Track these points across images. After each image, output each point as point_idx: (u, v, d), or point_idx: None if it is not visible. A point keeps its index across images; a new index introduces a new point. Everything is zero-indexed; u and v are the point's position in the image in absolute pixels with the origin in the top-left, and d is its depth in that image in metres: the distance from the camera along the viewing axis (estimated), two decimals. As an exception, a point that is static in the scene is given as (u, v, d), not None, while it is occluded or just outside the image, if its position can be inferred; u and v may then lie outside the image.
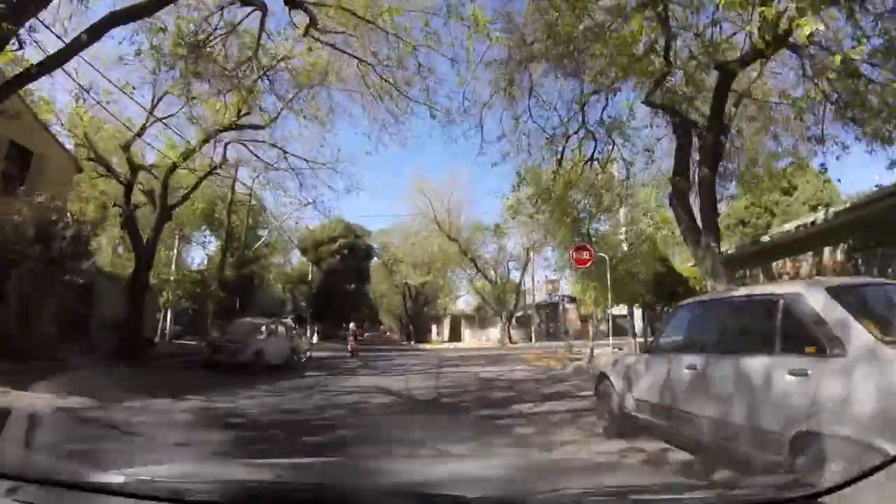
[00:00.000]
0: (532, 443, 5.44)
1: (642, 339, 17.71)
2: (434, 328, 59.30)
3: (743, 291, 4.58)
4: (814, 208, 19.33)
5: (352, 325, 25.46)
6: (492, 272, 39.58)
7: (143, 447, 5.12)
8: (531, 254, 35.59)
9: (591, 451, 4.92)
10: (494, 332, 40.05)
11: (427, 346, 38.28)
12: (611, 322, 19.30)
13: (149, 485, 1.46)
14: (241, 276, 27.22)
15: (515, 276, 40.95)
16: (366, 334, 76.38)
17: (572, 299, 37.31)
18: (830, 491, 1.37)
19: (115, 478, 1.48)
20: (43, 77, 8.52)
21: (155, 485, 1.47)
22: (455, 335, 48.46)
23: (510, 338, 35.39)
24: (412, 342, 43.24)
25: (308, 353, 18.29)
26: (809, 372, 3.01)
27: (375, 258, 47.22)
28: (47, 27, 8.92)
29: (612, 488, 1.56)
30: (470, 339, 44.67)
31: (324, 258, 41.29)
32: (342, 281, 41.66)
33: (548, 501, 1.40)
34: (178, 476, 1.75)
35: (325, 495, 1.42)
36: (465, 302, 50.78)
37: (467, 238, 37.40)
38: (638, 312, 20.58)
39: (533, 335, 37.91)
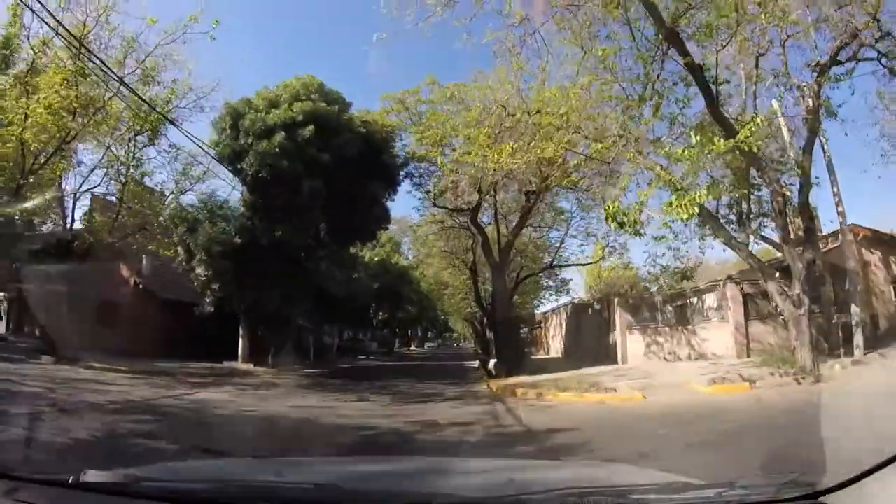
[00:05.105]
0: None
1: None
2: (543, 337, 30.49)
3: None
4: None
5: None
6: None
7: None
8: (822, 112, 10.71)
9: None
10: (719, 336, 15.79)
11: (549, 407, 9.52)
12: None
13: (149, 485, 1.46)
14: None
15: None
16: (412, 347, 54.92)
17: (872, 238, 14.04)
18: (830, 491, 1.37)
19: (115, 478, 1.48)
20: None
21: (155, 485, 1.47)
22: (601, 348, 20.30)
23: (815, 356, 9.67)
24: (495, 377, 15.44)
25: None
26: None
27: (399, 167, 18.90)
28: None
29: (612, 488, 1.55)
30: (643, 352, 18.27)
31: (249, 146, 15.48)
32: (309, 211, 16.58)
33: (548, 501, 1.39)
34: (178, 476, 1.76)
35: (325, 495, 1.41)
36: (570, 286, 25.00)
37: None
38: None
39: (860, 339, 11.09)
